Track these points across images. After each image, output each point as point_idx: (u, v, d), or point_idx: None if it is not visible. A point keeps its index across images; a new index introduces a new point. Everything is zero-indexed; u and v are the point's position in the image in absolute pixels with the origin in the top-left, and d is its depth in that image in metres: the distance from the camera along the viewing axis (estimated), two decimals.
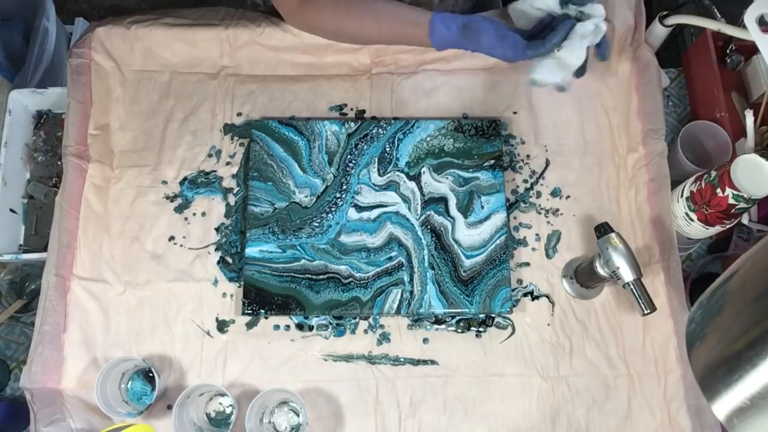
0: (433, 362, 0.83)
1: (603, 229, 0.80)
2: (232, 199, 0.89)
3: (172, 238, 0.87)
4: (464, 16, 0.79)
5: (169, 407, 0.79)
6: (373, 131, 0.91)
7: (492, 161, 0.90)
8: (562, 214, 0.90)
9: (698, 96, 1.02)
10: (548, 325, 0.85)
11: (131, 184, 0.89)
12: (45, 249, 0.84)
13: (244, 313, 0.83)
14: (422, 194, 0.89)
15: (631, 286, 0.77)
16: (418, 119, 0.92)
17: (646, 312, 0.76)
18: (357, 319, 0.84)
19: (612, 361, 0.84)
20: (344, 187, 0.89)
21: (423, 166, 0.90)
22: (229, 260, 0.86)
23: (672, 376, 0.83)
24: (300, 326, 0.84)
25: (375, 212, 0.88)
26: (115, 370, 0.79)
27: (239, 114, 0.93)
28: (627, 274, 0.77)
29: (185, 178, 0.90)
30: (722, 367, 0.44)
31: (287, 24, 0.91)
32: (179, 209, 0.88)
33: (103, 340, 0.83)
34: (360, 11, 0.83)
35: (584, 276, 0.84)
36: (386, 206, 0.88)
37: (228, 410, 0.82)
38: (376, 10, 0.82)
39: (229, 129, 0.92)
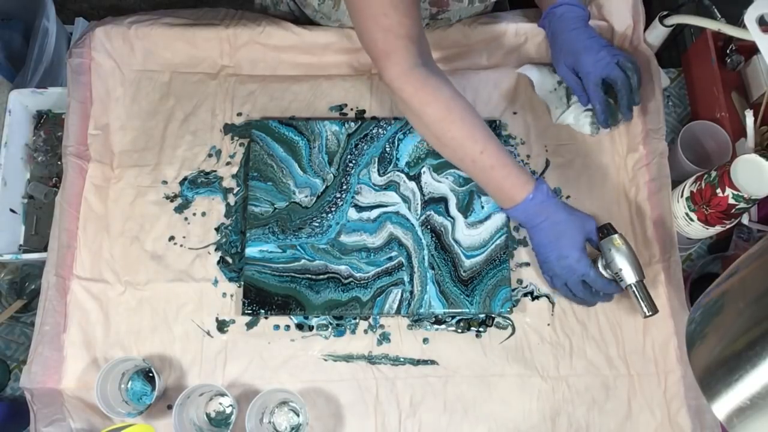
0: (433, 362, 0.83)
1: (606, 230, 0.80)
2: (232, 199, 0.89)
3: (172, 238, 0.87)
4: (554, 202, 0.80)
5: (169, 407, 0.79)
6: (373, 131, 0.91)
7: None
8: None
9: (698, 96, 1.02)
10: (548, 325, 0.85)
11: (131, 184, 0.89)
12: (45, 249, 0.84)
13: (244, 313, 0.83)
14: (422, 194, 0.89)
15: (634, 288, 0.77)
16: None
17: (648, 314, 0.76)
18: (357, 319, 0.84)
19: (612, 361, 0.84)
20: (344, 187, 0.89)
21: (423, 166, 0.90)
22: (229, 260, 0.86)
23: (672, 376, 0.82)
24: (300, 326, 0.84)
25: (375, 212, 0.88)
26: (115, 370, 0.79)
27: (239, 114, 0.93)
28: (629, 276, 0.77)
29: (185, 178, 0.90)
30: (722, 367, 0.44)
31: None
32: (179, 209, 0.88)
33: (103, 340, 0.83)
34: (470, 127, 0.78)
35: None
36: (386, 206, 0.88)
37: (228, 410, 0.82)
38: (485, 136, 0.78)
39: (229, 129, 0.92)
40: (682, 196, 0.86)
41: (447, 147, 0.80)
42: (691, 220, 0.85)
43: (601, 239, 0.80)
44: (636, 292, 0.77)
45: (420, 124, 0.80)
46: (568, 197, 0.90)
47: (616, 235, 0.79)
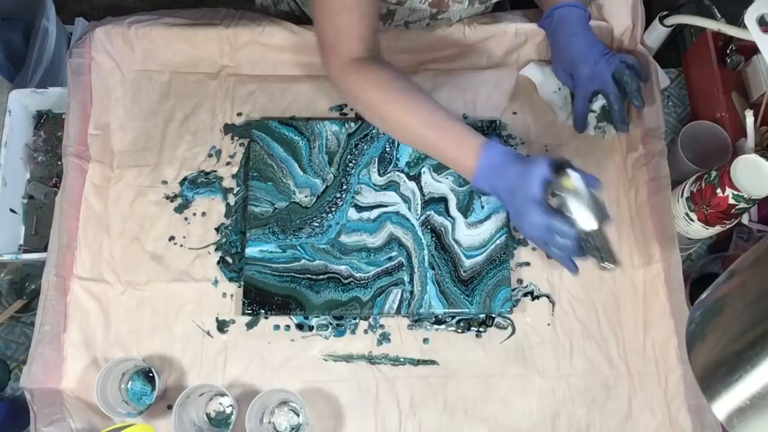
0: (433, 362, 0.83)
1: (559, 169, 0.69)
2: (232, 199, 0.89)
3: (172, 238, 0.87)
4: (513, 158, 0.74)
5: (169, 407, 0.79)
6: (373, 131, 0.91)
7: None
8: None
9: (698, 96, 1.02)
10: (548, 325, 0.85)
11: (131, 184, 0.89)
12: (45, 249, 0.84)
13: (244, 313, 0.83)
14: (422, 194, 0.88)
15: (588, 237, 0.68)
16: None
17: (604, 266, 0.69)
18: (357, 319, 0.84)
19: (612, 361, 0.84)
20: (344, 187, 0.89)
21: (423, 166, 0.90)
22: (229, 260, 0.86)
23: (672, 375, 0.82)
24: (300, 326, 0.84)
25: (375, 212, 0.88)
26: (115, 370, 0.79)
27: (239, 114, 0.93)
28: (584, 222, 0.67)
29: (185, 178, 0.90)
30: (722, 367, 0.44)
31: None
32: (179, 209, 0.88)
33: (103, 340, 0.83)
34: (410, 104, 0.77)
35: None
36: (386, 206, 0.88)
37: (228, 410, 0.82)
38: (429, 110, 0.77)
39: (229, 129, 0.92)
40: (682, 196, 0.86)
41: (394, 129, 0.80)
42: (691, 220, 0.85)
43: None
44: (591, 241, 0.67)
45: (366, 112, 0.81)
46: None
47: (568, 172, 0.67)
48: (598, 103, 0.91)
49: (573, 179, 0.67)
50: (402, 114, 0.77)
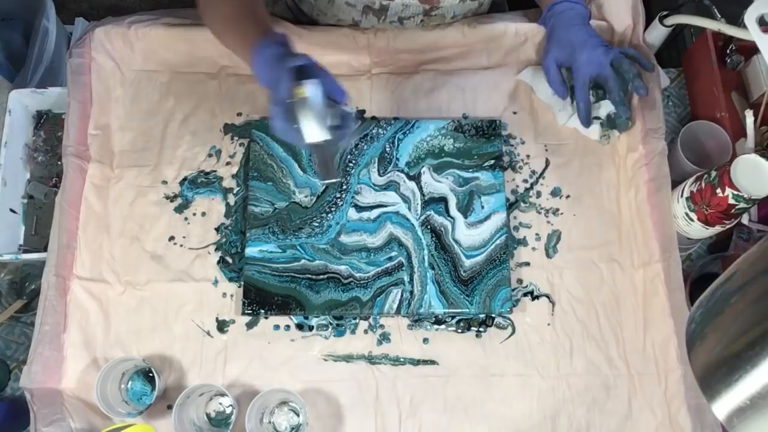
0: (433, 362, 0.83)
1: (299, 72, 0.64)
2: (232, 199, 0.89)
3: (172, 238, 0.87)
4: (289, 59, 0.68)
5: (169, 407, 0.79)
6: (373, 131, 0.91)
7: (492, 161, 0.90)
8: (562, 213, 0.90)
9: (698, 96, 1.02)
10: (548, 324, 0.85)
11: (131, 184, 0.89)
12: (45, 249, 0.84)
13: (244, 313, 0.83)
14: (422, 194, 0.88)
15: (312, 150, 0.64)
16: (418, 119, 0.92)
17: (322, 180, 0.67)
18: (357, 319, 0.84)
19: (612, 361, 0.84)
20: (344, 187, 0.88)
21: (423, 166, 0.90)
22: (229, 260, 0.86)
23: (672, 375, 0.82)
24: (300, 326, 0.84)
25: (375, 212, 0.88)
26: (115, 370, 0.79)
27: (239, 114, 0.93)
28: (308, 135, 0.61)
29: (185, 178, 0.90)
30: (722, 367, 0.44)
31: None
32: (179, 209, 0.88)
33: (103, 340, 0.83)
34: (234, 10, 0.78)
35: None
36: (386, 206, 0.88)
37: (228, 410, 0.82)
38: (244, 16, 0.77)
39: (229, 129, 0.92)
40: (682, 196, 0.86)
41: (221, 39, 0.82)
42: (691, 220, 0.85)
43: None
44: (316, 155, 0.64)
45: (205, 24, 0.85)
46: (568, 197, 0.90)
47: (303, 82, 0.61)
48: (604, 110, 0.91)
49: (306, 88, 0.63)
50: (223, 23, 0.80)
